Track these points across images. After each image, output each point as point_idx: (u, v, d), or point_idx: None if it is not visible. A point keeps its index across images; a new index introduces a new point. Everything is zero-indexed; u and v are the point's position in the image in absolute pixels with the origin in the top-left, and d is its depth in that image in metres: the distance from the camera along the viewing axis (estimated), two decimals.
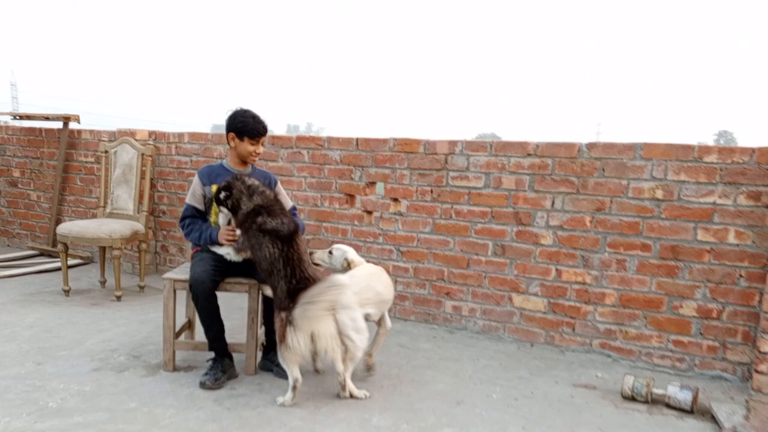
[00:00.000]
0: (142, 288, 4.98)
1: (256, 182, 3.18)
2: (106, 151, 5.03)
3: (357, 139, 4.44)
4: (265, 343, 3.49)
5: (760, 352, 3.23)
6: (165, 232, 5.44)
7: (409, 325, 4.36)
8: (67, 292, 4.73)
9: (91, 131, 5.76)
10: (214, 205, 3.27)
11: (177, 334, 3.43)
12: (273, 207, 3.11)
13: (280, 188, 3.52)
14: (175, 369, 3.36)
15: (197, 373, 3.32)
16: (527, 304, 3.97)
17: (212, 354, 3.30)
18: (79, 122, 5.76)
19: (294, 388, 2.96)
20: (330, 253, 3.44)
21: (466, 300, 4.16)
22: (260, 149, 3.39)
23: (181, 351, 3.52)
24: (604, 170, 3.66)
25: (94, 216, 5.76)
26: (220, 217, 3.28)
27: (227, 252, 3.22)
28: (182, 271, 3.45)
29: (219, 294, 3.23)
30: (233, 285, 3.32)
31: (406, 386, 3.30)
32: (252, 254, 3.10)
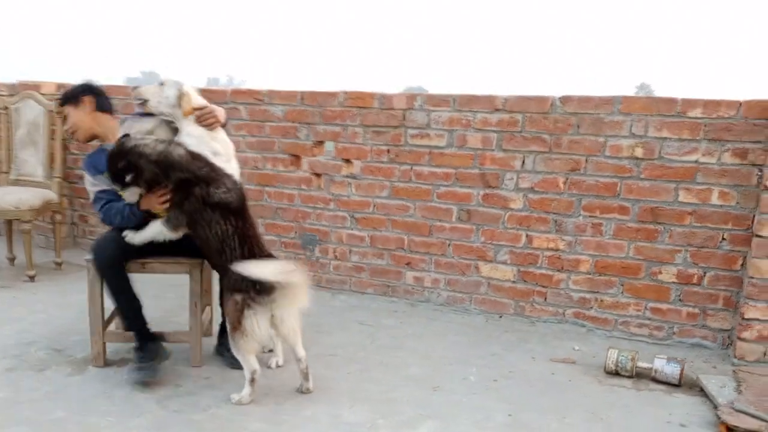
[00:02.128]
0: (59, 265, 4.38)
1: (161, 141, 2.64)
2: (6, 108, 4.32)
3: (302, 93, 3.95)
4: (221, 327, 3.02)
5: (743, 318, 3.06)
6: (83, 201, 4.81)
7: (367, 298, 4.00)
8: None
9: None
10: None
11: (106, 323, 2.94)
12: (209, 171, 2.62)
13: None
14: (106, 364, 2.89)
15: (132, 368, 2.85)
16: (495, 274, 3.68)
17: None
18: None
19: (252, 381, 2.56)
20: (161, 84, 2.78)
21: (429, 270, 3.83)
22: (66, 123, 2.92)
23: (113, 343, 3.02)
24: (579, 127, 3.36)
25: None
26: (127, 195, 2.74)
27: (159, 232, 2.69)
28: None
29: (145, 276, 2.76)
30: (169, 265, 2.85)
31: (375, 371, 2.96)
32: (194, 233, 2.62)
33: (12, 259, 4.42)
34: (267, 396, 2.65)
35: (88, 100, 2.86)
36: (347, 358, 3.11)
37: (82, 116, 2.86)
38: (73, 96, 2.86)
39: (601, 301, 3.47)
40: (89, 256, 2.78)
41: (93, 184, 2.89)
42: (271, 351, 2.97)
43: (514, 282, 3.65)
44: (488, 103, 3.51)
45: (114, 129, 2.89)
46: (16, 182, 4.31)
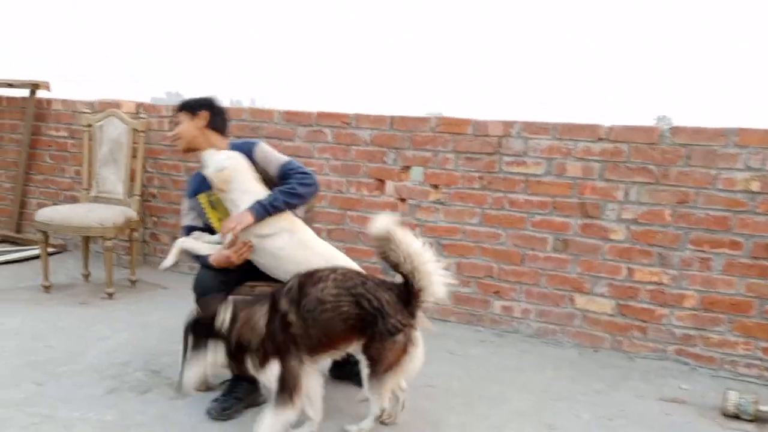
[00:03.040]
0: (133, 283, 4.34)
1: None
2: (90, 125, 4.32)
3: (391, 118, 3.90)
4: None
5: None
6: (155, 219, 4.79)
7: (450, 326, 3.89)
8: (47, 288, 4.06)
9: (64, 101, 5.01)
10: (208, 208, 2.77)
11: None
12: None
13: (263, 150, 2.78)
14: (209, 388, 2.80)
15: None
16: (592, 306, 3.56)
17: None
18: (49, 90, 5.00)
19: (377, 417, 2.48)
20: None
21: (519, 300, 3.73)
22: (175, 129, 2.87)
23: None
24: (689, 158, 3.26)
25: (69, 199, 5.04)
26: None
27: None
28: None
29: None
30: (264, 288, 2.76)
31: (479, 405, 2.85)
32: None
33: (86, 276, 4.39)
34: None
35: (204, 115, 2.82)
36: (445, 389, 3.01)
37: (192, 128, 2.81)
38: (191, 106, 2.83)
39: (707, 338, 3.34)
40: (193, 290, 2.71)
41: (184, 212, 2.90)
42: None
43: (611, 315, 3.53)
44: (591, 132, 3.43)
45: (221, 149, 2.83)
46: (96, 199, 4.29)
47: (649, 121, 3.77)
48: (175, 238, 4.68)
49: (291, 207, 2.63)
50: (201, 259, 2.72)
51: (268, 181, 2.71)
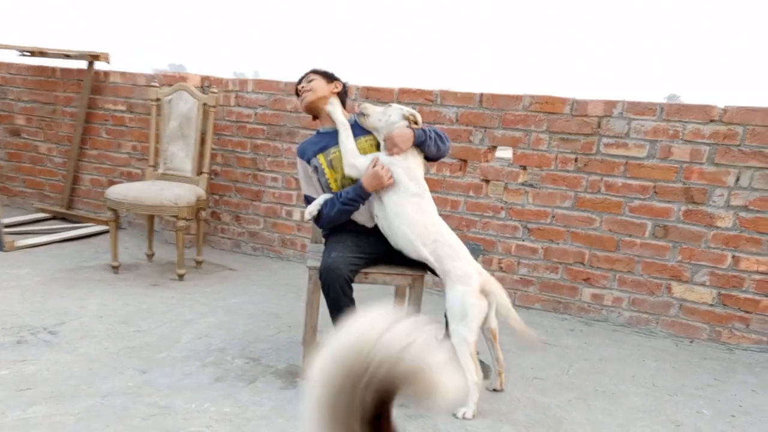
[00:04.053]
0: (199, 263, 4.21)
1: None
2: (158, 99, 4.16)
3: (481, 95, 3.73)
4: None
5: None
6: (217, 197, 4.64)
7: (534, 314, 3.77)
8: (116, 269, 3.93)
9: (123, 74, 4.84)
10: (327, 168, 2.70)
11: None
12: None
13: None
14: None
15: None
16: (690, 295, 3.43)
17: None
18: (108, 62, 4.82)
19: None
20: (388, 107, 2.68)
21: (611, 288, 3.59)
22: (305, 86, 2.81)
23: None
24: None
25: (125, 176, 4.90)
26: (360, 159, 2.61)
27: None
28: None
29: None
30: (391, 276, 2.64)
31: (596, 400, 2.73)
32: None
33: (151, 256, 4.26)
34: (486, 417, 2.43)
35: (337, 84, 2.84)
36: (554, 382, 2.89)
37: (325, 90, 2.79)
38: (327, 73, 2.84)
39: None
40: (318, 274, 2.57)
41: (304, 179, 2.80)
42: None
43: (712, 305, 3.40)
44: (702, 113, 3.27)
45: (338, 119, 2.75)
46: (163, 177, 4.14)
47: (659, 99, 3.59)
48: (236, 218, 4.58)
49: (437, 149, 2.63)
50: (334, 209, 2.60)
51: None
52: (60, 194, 5.20)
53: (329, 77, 2.82)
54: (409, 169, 2.57)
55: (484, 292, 2.48)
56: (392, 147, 2.56)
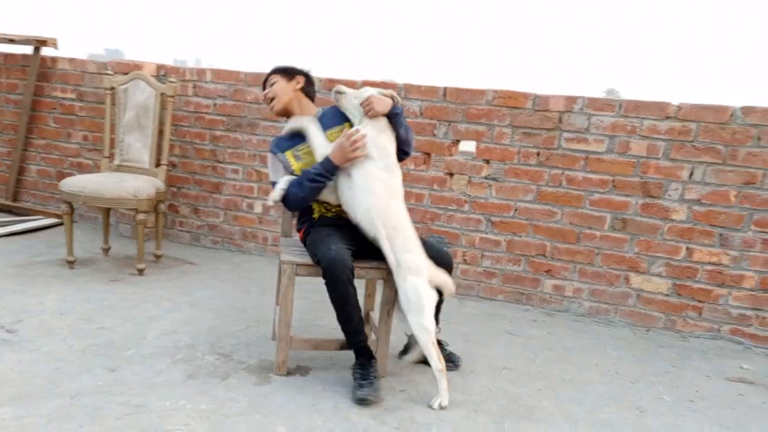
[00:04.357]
0: (158, 257, 4.11)
1: None
2: (113, 88, 4.01)
3: (445, 89, 3.76)
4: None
5: None
6: (175, 190, 4.53)
7: (498, 305, 3.85)
8: (72, 264, 3.79)
9: (72, 60, 4.65)
10: (293, 161, 2.71)
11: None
12: None
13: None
14: (289, 372, 2.67)
15: (316, 377, 2.66)
16: (647, 286, 3.56)
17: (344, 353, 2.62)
18: (56, 48, 4.63)
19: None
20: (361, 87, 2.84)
21: (572, 279, 3.70)
22: (269, 92, 2.79)
23: (294, 351, 2.80)
24: (759, 139, 3.26)
25: (75, 166, 4.73)
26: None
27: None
28: (298, 253, 2.71)
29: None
30: (366, 270, 2.63)
31: (563, 389, 2.81)
32: None
33: (107, 250, 4.13)
34: (461, 407, 2.48)
35: (299, 79, 2.81)
36: (523, 372, 2.95)
37: (288, 90, 2.76)
38: (287, 70, 2.81)
39: (763, 318, 3.38)
40: (324, 268, 2.52)
41: (273, 170, 2.77)
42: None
43: (667, 295, 3.54)
44: (659, 110, 3.39)
45: (309, 114, 2.77)
46: (119, 168, 4.01)
47: (598, 94, 3.73)
48: (195, 211, 4.48)
49: (406, 132, 2.71)
50: (302, 187, 2.58)
51: None
52: (5, 186, 4.97)
53: (289, 74, 2.78)
54: (379, 145, 2.57)
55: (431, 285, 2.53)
56: (369, 108, 2.58)
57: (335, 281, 2.43)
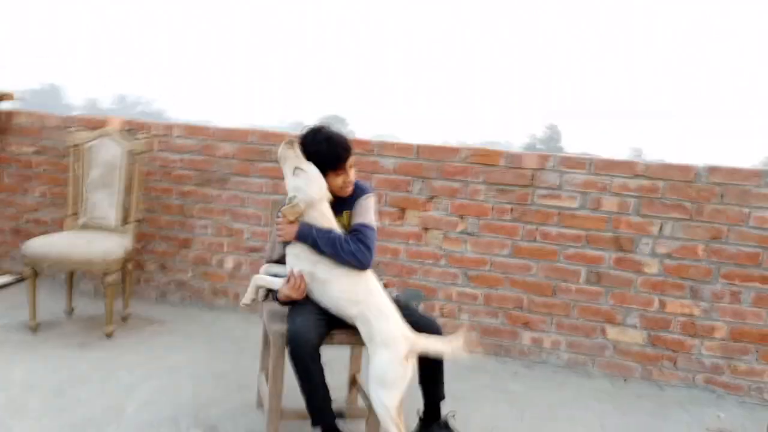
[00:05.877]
0: (125, 318, 3.96)
1: None
2: (76, 146, 3.89)
3: (418, 147, 3.81)
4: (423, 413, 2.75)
5: None
6: (138, 247, 4.39)
7: (476, 359, 3.85)
8: (35, 329, 3.62)
9: (30, 114, 4.50)
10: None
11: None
12: None
13: (369, 202, 2.62)
14: None
15: None
16: (623, 337, 3.64)
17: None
18: (13, 100, 4.47)
19: None
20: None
21: (549, 331, 3.75)
22: (350, 176, 2.56)
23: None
24: (723, 196, 3.41)
25: (32, 222, 4.54)
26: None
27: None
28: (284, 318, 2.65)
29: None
30: (355, 337, 2.58)
31: None
32: None
33: (71, 311, 3.96)
34: None
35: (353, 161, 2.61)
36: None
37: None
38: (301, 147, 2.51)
39: (735, 367, 3.50)
40: (286, 342, 2.47)
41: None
42: None
43: (642, 346, 3.62)
44: (628, 168, 3.51)
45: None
46: (84, 227, 3.87)
47: (625, 154, 3.88)
48: (162, 267, 4.36)
49: (334, 252, 2.43)
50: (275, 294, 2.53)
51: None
52: None
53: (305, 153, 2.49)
54: (321, 261, 2.46)
55: (412, 355, 2.39)
56: (279, 232, 2.48)
57: (295, 356, 2.36)
